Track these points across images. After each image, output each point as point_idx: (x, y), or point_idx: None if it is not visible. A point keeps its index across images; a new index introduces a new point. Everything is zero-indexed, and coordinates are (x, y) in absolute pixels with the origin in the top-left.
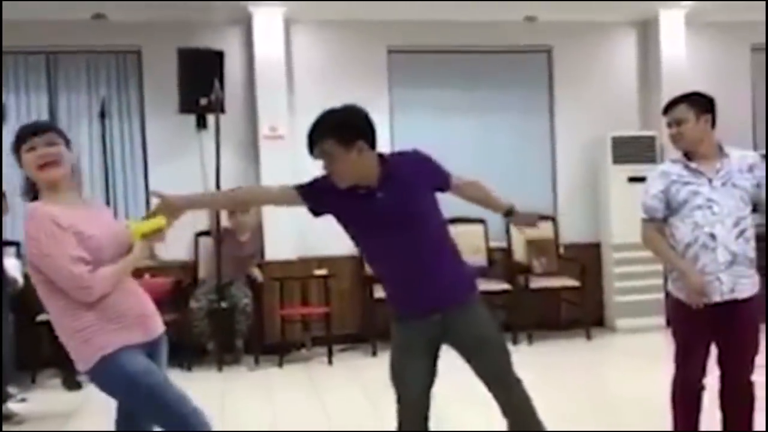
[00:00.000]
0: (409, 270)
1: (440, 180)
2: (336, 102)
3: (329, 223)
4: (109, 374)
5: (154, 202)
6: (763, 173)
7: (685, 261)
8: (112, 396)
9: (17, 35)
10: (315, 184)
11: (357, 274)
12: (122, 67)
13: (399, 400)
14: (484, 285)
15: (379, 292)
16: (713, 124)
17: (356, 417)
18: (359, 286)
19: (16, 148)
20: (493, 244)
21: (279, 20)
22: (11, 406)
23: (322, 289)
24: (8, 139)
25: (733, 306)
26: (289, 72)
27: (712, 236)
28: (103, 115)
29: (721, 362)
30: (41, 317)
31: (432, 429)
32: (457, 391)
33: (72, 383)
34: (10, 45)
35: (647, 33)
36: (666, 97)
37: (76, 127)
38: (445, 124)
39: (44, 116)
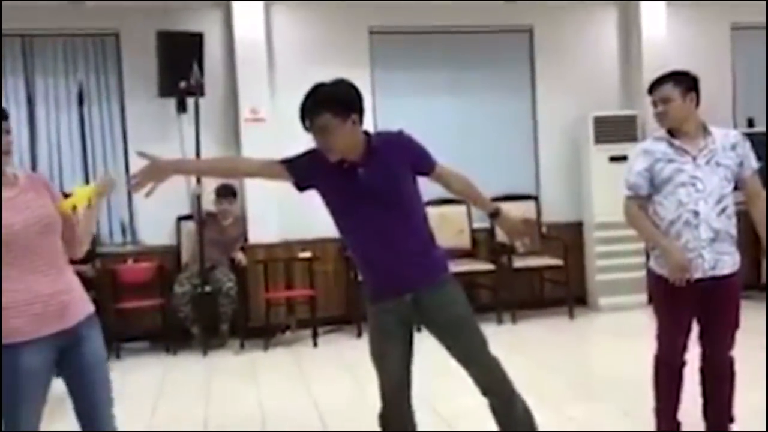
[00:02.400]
0: (383, 249)
1: (423, 163)
2: (315, 84)
3: (312, 206)
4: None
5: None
6: (746, 151)
7: (668, 238)
8: None
9: None
10: (300, 157)
11: (341, 257)
12: (100, 50)
13: (380, 381)
14: (468, 265)
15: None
16: (698, 102)
17: (342, 398)
18: (343, 269)
19: None
20: (476, 225)
21: (259, 2)
22: None
23: (307, 272)
24: None
25: (714, 282)
26: (270, 54)
27: (695, 213)
28: (81, 99)
29: (702, 338)
30: None
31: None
32: (439, 366)
33: None
34: None
35: (628, 12)
36: (647, 76)
37: (54, 112)
38: (426, 105)
39: (22, 101)
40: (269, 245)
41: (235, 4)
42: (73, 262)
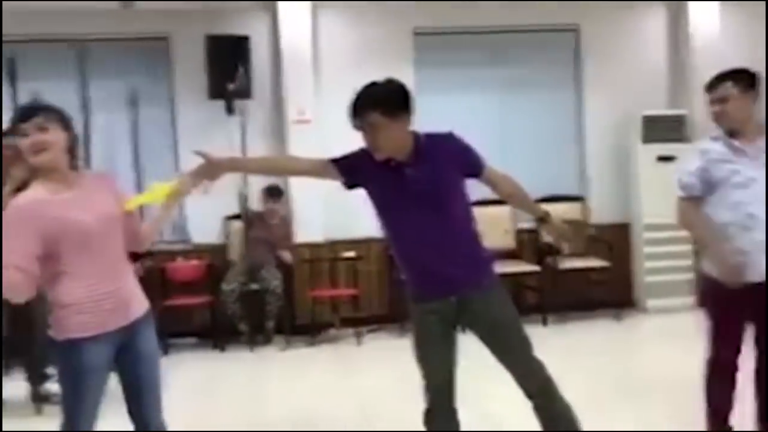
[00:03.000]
0: (428, 249)
1: (472, 165)
2: (362, 84)
3: (357, 206)
4: (59, 356)
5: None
6: None
7: (721, 241)
8: (59, 376)
9: (48, 24)
10: (349, 156)
11: (385, 256)
12: (151, 54)
13: (424, 381)
14: (513, 267)
15: (402, 274)
16: (758, 101)
17: (385, 397)
18: (387, 268)
19: (12, 132)
20: (521, 225)
21: (305, 4)
22: (49, 386)
23: (351, 272)
24: None
25: None
26: (316, 56)
27: (751, 216)
28: (133, 102)
29: (758, 342)
30: None
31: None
32: (482, 367)
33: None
34: (41, 33)
35: (678, 9)
36: (697, 75)
37: (107, 115)
38: (470, 105)
39: (76, 105)
40: (314, 245)
41: (281, 7)
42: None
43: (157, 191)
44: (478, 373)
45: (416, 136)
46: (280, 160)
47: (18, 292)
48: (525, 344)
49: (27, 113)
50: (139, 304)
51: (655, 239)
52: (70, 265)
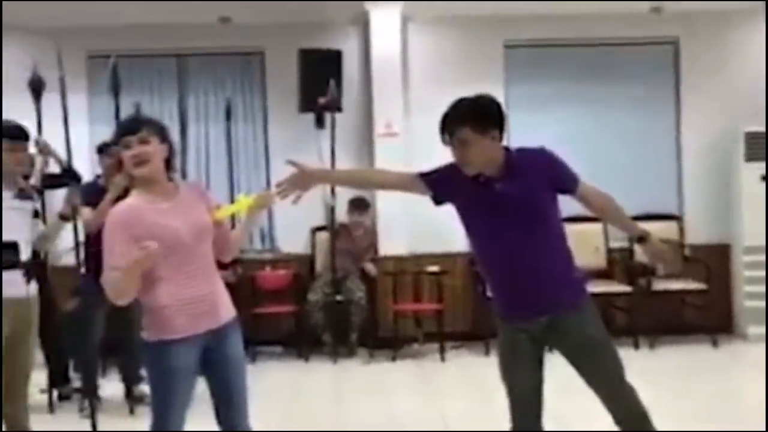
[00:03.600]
0: (518, 267)
1: (565, 181)
2: (451, 99)
3: (442, 220)
4: (150, 356)
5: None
6: None
7: None
8: (148, 376)
9: (148, 39)
10: (438, 171)
11: (470, 271)
12: (246, 68)
13: (510, 400)
14: (603, 287)
15: (489, 292)
16: None
17: (469, 415)
18: (472, 284)
19: (117, 143)
20: (613, 244)
21: (396, 18)
22: (144, 387)
23: (435, 286)
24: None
25: None
26: (405, 69)
27: None
28: (228, 115)
29: None
30: None
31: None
32: (571, 384)
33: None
34: (142, 48)
35: None
36: None
37: (203, 127)
38: (562, 119)
39: (175, 117)
40: (398, 257)
41: (373, 21)
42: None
43: (242, 203)
44: (567, 391)
45: (507, 151)
46: (369, 173)
47: (122, 294)
48: (616, 368)
49: (131, 126)
50: (227, 310)
51: (756, 263)
52: (163, 271)
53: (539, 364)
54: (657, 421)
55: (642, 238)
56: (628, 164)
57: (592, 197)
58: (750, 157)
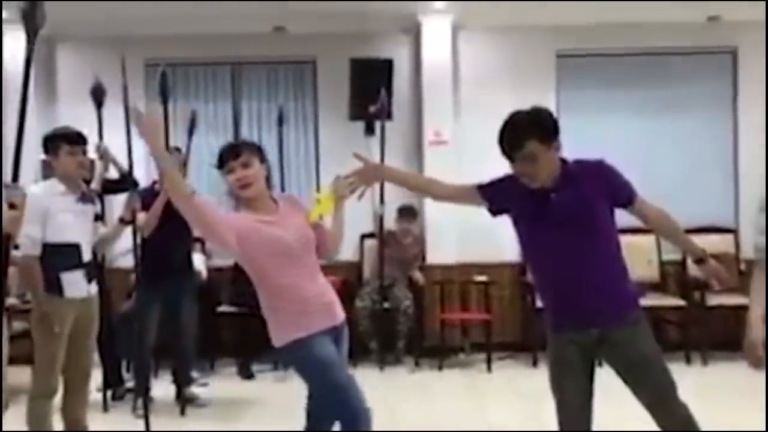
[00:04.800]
0: (572, 278)
1: (622, 194)
2: (501, 108)
3: (490, 230)
4: (299, 357)
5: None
6: None
7: None
8: (301, 375)
9: (205, 48)
10: (495, 183)
11: (518, 282)
12: (299, 76)
13: (559, 414)
14: (656, 300)
15: (539, 301)
16: None
17: (515, 425)
18: (520, 294)
19: (219, 167)
20: (666, 257)
21: (447, 28)
22: (194, 389)
23: (482, 296)
24: (198, 145)
25: None
26: (455, 78)
27: None
28: (281, 122)
29: None
30: (222, 308)
31: None
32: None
33: (246, 373)
34: (198, 56)
35: None
36: None
37: (256, 134)
38: (615, 128)
39: (229, 123)
40: (446, 266)
41: (424, 30)
42: None
43: (324, 201)
44: (617, 403)
45: (564, 162)
46: (428, 180)
47: (175, 187)
48: (668, 384)
49: (232, 151)
50: (341, 309)
51: None
52: (278, 278)
53: (590, 378)
54: None
55: (701, 259)
56: (683, 175)
57: (651, 213)
58: None
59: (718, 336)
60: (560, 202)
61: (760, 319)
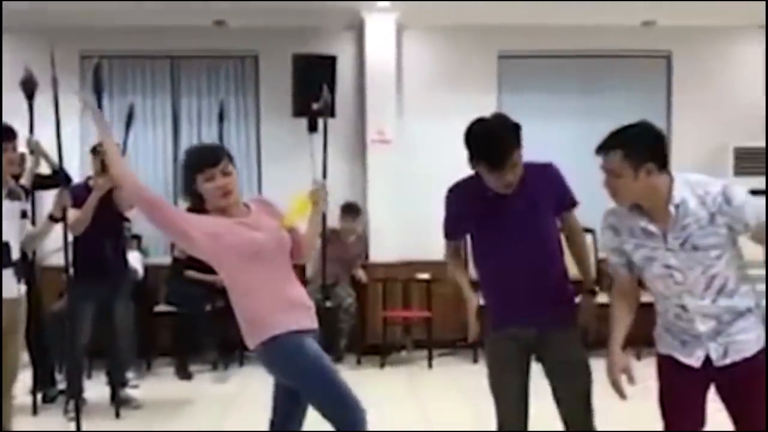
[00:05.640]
0: (518, 278)
1: (566, 199)
2: (444, 108)
3: (433, 227)
4: (281, 352)
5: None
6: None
7: None
8: (277, 372)
9: (143, 41)
10: (449, 215)
11: None
12: (240, 71)
13: (498, 410)
14: (599, 298)
15: (482, 300)
16: None
17: (456, 423)
18: (461, 292)
19: (192, 172)
20: (602, 255)
21: (391, 26)
22: (129, 391)
23: (424, 293)
24: (135, 141)
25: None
26: (399, 77)
27: None
28: (221, 117)
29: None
30: (159, 307)
31: None
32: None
33: (184, 373)
34: (136, 49)
35: None
36: None
37: (196, 130)
38: (555, 130)
39: (168, 119)
40: (389, 264)
41: (368, 28)
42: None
43: (300, 205)
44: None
45: None
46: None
47: (125, 180)
48: (587, 392)
49: (212, 158)
50: (315, 313)
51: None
52: (254, 281)
53: (527, 375)
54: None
55: (591, 291)
56: None
57: (574, 226)
58: (738, 172)
59: (650, 331)
60: (511, 205)
61: (621, 353)
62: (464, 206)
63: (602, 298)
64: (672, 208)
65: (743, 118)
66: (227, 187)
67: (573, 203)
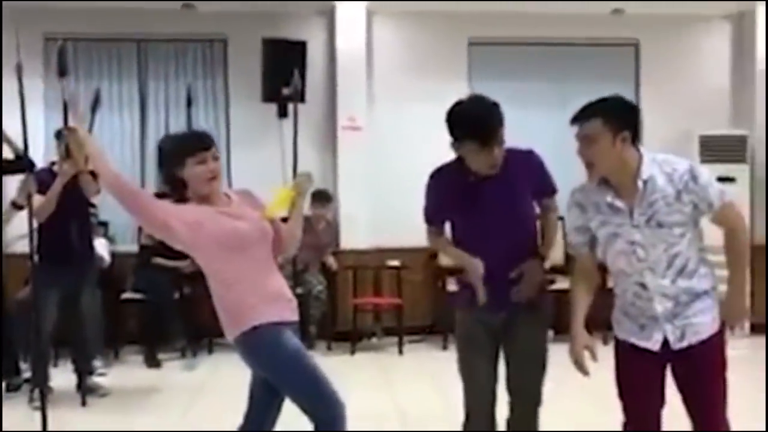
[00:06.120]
0: (494, 262)
1: (545, 187)
2: (415, 94)
3: (404, 215)
4: (260, 343)
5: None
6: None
7: None
8: (255, 364)
9: (109, 23)
10: (430, 201)
11: (430, 267)
12: (209, 55)
13: (466, 393)
14: (559, 283)
15: (452, 286)
16: None
17: (425, 408)
18: (431, 279)
19: (183, 155)
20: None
21: (362, 12)
22: (96, 379)
23: (395, 280)
24: (101, 125)
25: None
26: (370, 63)
27: None
28: (189, 102)
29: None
30: (126, 295)
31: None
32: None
33: (152, 361)
34: (102, 32)
35: (743, 27)
36: (761, 95)
37: (164, 114)
38: (524, 117)
39: (135, 103)
40: (359, 251)
41: (338, 14)
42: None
43: (284, 195)
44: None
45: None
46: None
47: (103, 171)
48: (542, 380)
49: (205, 142)
50: (296, 304)
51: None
52: (237, 272)
53: (496, 358)
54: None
55: (543, 258)
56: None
57: (552, 214)
58: (704, 160)
59: None
60: (492, 190)
61: (583, 331)
62: (446, 191)
63: (568, 282)
64: (640, 183)
65: (709, 106)
66: (215, 171)
67: (553, 191)
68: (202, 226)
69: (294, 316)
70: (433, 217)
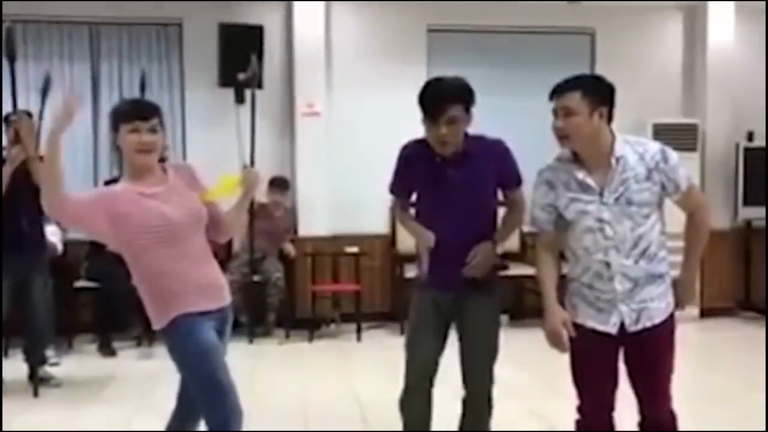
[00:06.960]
0: (450, 244)
1: (511, 179)
2: (374, 80)
3: (362, 201)
4: (175, 335)
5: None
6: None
7: None
8: (177, 360)
9: (60, 5)
10: (397, 174)
11: (388, 253)
12: (164, 39)
13: (407, 366)
14: (517, 270)
15: (410, 272)
16: None
17: (383, 394)
18: (390, 265)
19: (117, 120)
20: (526, 228)
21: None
22: (48, 369)
23: (353, 267)
24: (52, 109)
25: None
26: (328, 50)
27: None
28: (143, 86)
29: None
30: (79, 283)
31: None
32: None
33: (107, 350)
34: (54, 14)
35: (695, 18)
36: (712, 84)
37: (117, 98)
38: (483, 105)
39: (87, 87)
40: (318, 238)
41: (297, 0)
42: None
43: (228, 183)
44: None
45: (466, 136)
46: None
47: (51, 184)
48: (494, 357)
49: (143, 113)
50: (227, 292)
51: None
52: (157, 257)
53: (443, 338)
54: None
55: (495, 242)
56: (545, 151)
57: (518, 205)
58: None
59: None
60: (456, 176)
61: (558, 306)
62: (412, 166)
63: (526, 269)
64: (614, 160)
65: (661, 95)
66: (149, 145)
67: (518, 182)
68: (128, 217)
69: (219, 303)
70: (397, 187)
